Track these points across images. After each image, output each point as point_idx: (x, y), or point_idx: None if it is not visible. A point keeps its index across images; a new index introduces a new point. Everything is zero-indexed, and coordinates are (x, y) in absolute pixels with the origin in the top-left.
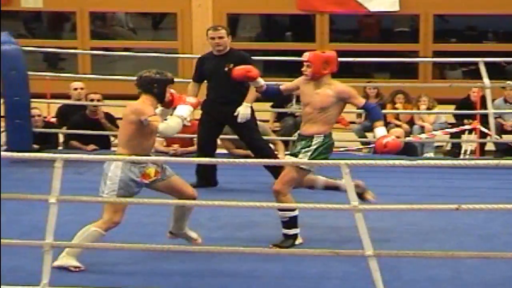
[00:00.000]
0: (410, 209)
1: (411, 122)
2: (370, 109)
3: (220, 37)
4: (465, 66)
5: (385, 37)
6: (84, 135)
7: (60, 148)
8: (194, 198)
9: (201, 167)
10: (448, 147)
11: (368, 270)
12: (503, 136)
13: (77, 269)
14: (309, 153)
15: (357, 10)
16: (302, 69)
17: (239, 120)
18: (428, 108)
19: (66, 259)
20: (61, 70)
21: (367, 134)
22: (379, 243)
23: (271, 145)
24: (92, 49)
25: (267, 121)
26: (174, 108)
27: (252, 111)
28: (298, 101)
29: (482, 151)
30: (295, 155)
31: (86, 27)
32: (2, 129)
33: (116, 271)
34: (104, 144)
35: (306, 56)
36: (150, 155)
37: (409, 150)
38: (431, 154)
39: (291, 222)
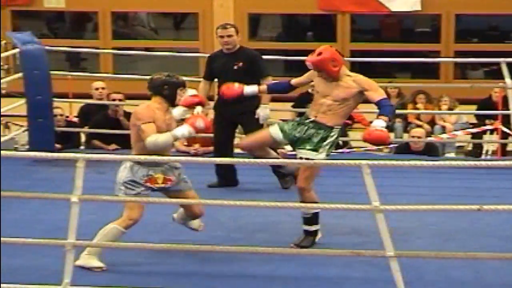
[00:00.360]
0: (431, 210)
1: (432, 122)
2: (384, 105)
3: (229, 36)
4: (486, 66)
5: (406, 37)
6: (105, 134)
7: (82, 147)
8: (200, 216)
9: (221, 167)
10: (470, 148)
11: (389, 271)
12: None
13: (100, 269)
14: (327, 147)
15: (379, 10)
16: (317, 75)
17: (261, 121)
18: (449, 108)
19: (87, 258)
20: (83, 70)
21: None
22: (400, 244)
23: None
24: (114, 49)
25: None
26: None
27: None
28: None
29: (503, 152)
30: (315, 148)
31: (108, 27)
32: (24, 129)
33: (137, 270)
34: (125, 143)
35: (309, 65)
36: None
37: (430, 151)
38: (453, 155)
39: (313, 219)
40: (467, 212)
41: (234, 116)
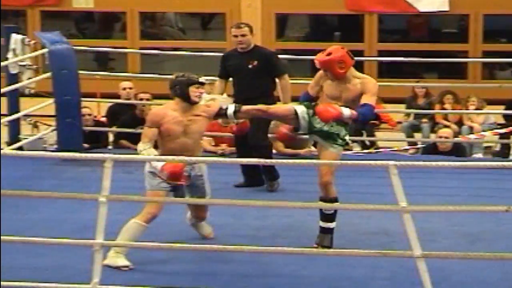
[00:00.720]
0: (458, 210)
1: (460, 123)
2: (364, 108)
3: (243, 35)
4: None
5: (434, 37)
6: (133, 134)
7: (109, 147)
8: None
9: (247, 166)
10: (497, 148)
11: (415, 271)
12: None
13: (127, 268)
14: (344, 142)
15: (406, 10)
16: (323, 74)
17: None
18: (477, 109)
19: (114, 257)
20: (111, 70)
21: (415, 134)
22: (427, 244)
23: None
24: (141, 49)
25: None
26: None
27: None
28: None
29: None
30: (341, 143)
31: (136, 27)
32: (53, 128)
33: (165, 270)
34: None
35: (317, 64)
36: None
37: (457, 151)
38: (480, 155)
39: (333, 216)
40: (494, 212)
41: None
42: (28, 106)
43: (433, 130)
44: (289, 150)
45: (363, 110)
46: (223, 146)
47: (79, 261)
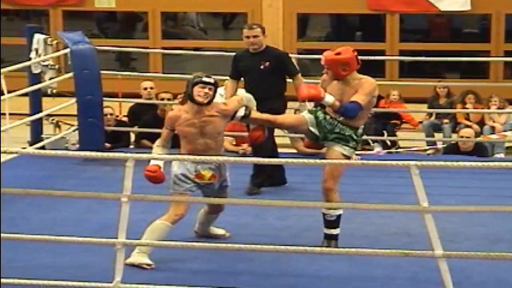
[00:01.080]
0: (480, 211)
1: (481, 123)
2: (353, 104)
3: (255, 36)
4: None
5: (456, 37)
6: (154, 134)
7: (131, 146)
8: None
9: (267, 167)
10: None
11: (437, 271)
12: None
13: (149, 267)
14: (356, 146)
15: (428, 9)
16: (323, 71)
17: None
18: (499, 108)
19: (138, 256)
20: (133, 70)
21: (436, 134)
22: (448, 245)
23: None
24: (163, 48)
25: None
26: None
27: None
28: None
29: None
30: (352, 145)
31: (158, 27)
32: (75, 128)
33: (186, 269)
34: (174, 143)
35: (322, 60)
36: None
37: (479, 151)
38: (502, 155)
39: (336, 221)
40: None
41: (263, 113)
42: (50, 105)
43: (454, 130)
44: (310, 150)
45: (347, 104)
46: (245, 146)
47: (101, 260)
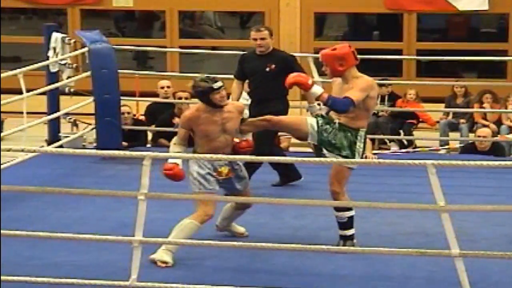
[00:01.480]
0: (497, 210)
1: (499, 122)
2: (345, 99)
3: (262, 38)
4: None
5: (473, 36)
6: (172, 133)
7: (148, 145)
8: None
9: (278, 166)
10: None
11: (453, 271)
12: None
13: (165, 265)
14: (360, 150)
15: (446, 9)
16: (322, 69)
17: None
18: None
19: (162, 254)
20: (150, 69)
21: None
22: (465, 244)
23: None
24: (180, 48)
25: None
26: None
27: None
28: (382, 101)
29: None
30: (349, 154)
31: (175, 26)
32: (92, 127)
33: (203, 267)
34: (191, 142)
35: (320, 57)
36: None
37: (496, 150)
38: None
39: (348, 223)
40: None
41: (264, 114)
42: (68, 104)
43: (472, 130)
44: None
45: (336, 98)
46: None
47: (118, 258)
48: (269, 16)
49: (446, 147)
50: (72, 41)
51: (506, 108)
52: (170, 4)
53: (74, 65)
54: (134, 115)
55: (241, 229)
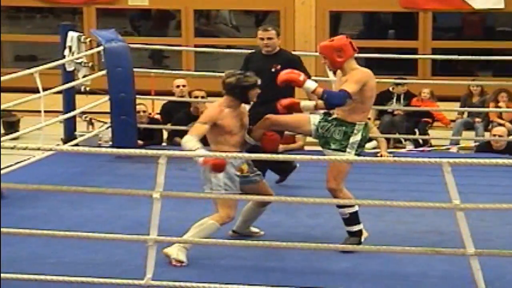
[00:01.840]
0: None
1: None
2: (341, 92)
3: (269, 38)
4: None
5: (489, 35)
6: (187, 131)
7: (164, 144)
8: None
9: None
10: None
11: (468, 269)
12: None
13: (180, 264)
14: (355, 146)
15: (461, 7)
16: (322, 62)
17: None
18: None
19: (176, 250)
20: (166, 67)
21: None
22: (480, 243)
23: (375, 142)
24: (196, 46)
25: (368, 118)
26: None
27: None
28: (398, 100)
29: None
30: (340, 147)
31: (191, 24)
32: (108, 125)
33: (217, 266)
34: (206, 140)
35: (318, 48)
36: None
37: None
38: None
39: (352, 219)
40: None
41: (261, 116)
42: (83, 103)
43: (487, 129)
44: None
45: (331, 92)
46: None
47: (133, 257)
48: (284, 14)
49: (460, 146)
50: (88, 40)
51: None
52: (186, 3)
53: (90, 64)
54: (150, 113)
55: (256, 229)
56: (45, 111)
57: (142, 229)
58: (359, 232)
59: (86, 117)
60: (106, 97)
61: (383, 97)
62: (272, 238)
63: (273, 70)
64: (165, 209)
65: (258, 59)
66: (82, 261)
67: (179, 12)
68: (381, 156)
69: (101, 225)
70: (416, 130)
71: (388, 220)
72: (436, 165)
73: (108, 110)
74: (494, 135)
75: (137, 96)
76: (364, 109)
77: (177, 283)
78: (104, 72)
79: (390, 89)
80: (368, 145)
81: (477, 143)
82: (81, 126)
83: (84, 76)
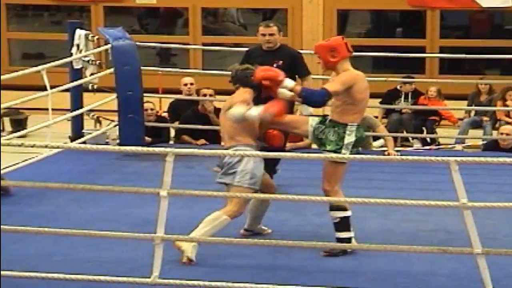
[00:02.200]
0: None
1: None
2: (321, 90)
3: (271, 34)
4: None
5: (497, 33)
6: (195, 130)
7: (171, 142)
8: (273, 192)
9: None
10: None
11: (476, 268)
12: None
13: (187, 262)
14: (349, 147)
15: (469, 6)
16: (317, 62)
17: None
18: None
19: (192, 250)
20: (173, 66)
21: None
22: (487, 241)
23: (382, 140)
24: (203, 44)
25: (376, 117)
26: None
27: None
28: (406, 98)
29: None
30: (335, 148)
31: (198, 23)
32: (115, 123)
33: (224, 264)
34: (214, 138)
35: (313, 48)
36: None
37: None
38: None
39: (343, 224)
40: None
41: None
42: (91, 101)
43: (494, 127)
44: None
45: (310, 90)
46: None
47: (140, 255)
48: (292, 13)
49: (467, 144)
50: (96, 38)
51: None
52: (193, 1)
53: (98, 62)
54: (157, 112)
55: (263, 227)
56: (52, 109)
57: (149, 227)
58: (348, 240)
59: (93, 115)
60: (114, 95)
61: (391, 96)
62: (279, 237)
63: (275, 66)
64: (172, 207)
65: (259, 55)
66: (89, 259)
67: (186, 10)
68: (388, 154)
69: (108, 223)
70: (424, 129)
71: (395, 219)
72: (443, 163)
73: (116, 108)
74: (502, 134)
75: (145, 94)
76: (356, 111)
77: (184, 281)
78: (111, 70)
79: (398, 87)
80: (376, 143)
81: (484, 142)
82: (88, 124)
83: (91, 74)
